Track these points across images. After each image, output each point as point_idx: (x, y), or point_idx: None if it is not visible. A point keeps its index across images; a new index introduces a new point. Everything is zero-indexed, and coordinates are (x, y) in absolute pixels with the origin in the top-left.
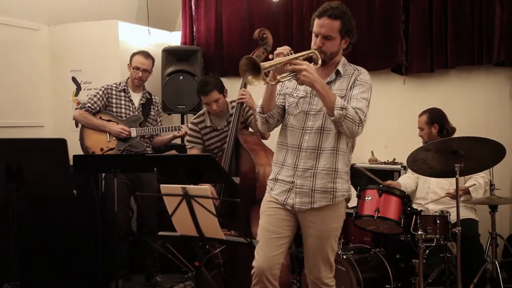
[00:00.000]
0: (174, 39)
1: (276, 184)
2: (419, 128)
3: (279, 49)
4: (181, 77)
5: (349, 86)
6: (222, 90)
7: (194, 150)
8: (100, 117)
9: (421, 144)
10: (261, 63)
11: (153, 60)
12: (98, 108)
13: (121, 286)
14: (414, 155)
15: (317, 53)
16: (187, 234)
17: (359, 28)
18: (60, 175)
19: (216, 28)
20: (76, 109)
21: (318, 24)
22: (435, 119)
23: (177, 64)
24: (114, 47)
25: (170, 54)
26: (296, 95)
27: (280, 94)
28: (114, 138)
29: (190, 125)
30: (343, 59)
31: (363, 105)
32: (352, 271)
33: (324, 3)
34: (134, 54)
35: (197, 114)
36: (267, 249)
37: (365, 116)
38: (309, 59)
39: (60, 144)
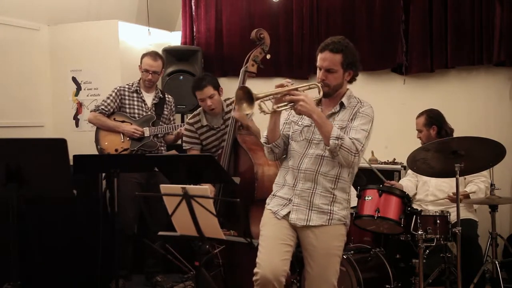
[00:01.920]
0: (174, 39)
1: (273, 199)
2: (417, 130)
3: (279, 83)
4: (181, 77)
5: (350, 118)
6: (217, 86)
7: (193, 151)
8: (114, 119)
9: (421, 144)
10: (255, 94)
11: (163, 60)
12: (111, 110)
13: (121, 286)
14: (414, 155)
15: (319, 85)
16: (187, 234)
17: (359, 28)
18: (60, 175)
19: (216, 28)
20: (90, 111)
21: (320, 58)
22: (433, 120)
23: (177, 64)
24: (114, 47)
25: (170, 54)
26: (301, 124)
27: (286, 123)
28: (128, 138)
29: (186, 126)
30: (348, 91)
31: (361, 136)
32: (352, 271)
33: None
34: (143, 56)
35: (192, 114)
36: (272, 256)
37: (362, 146)
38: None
39: (60, 144)
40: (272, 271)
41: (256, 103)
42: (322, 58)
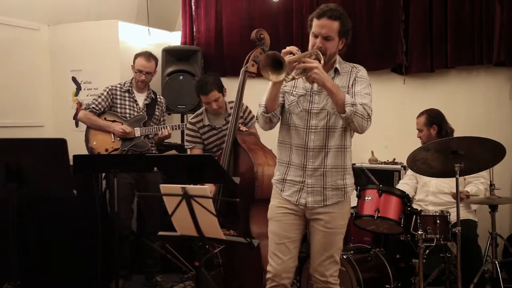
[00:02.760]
0: (174, 39)
1: (286, 184)
2: (417, 129)
3: (287, 48)
4: (181, 77)
5: (350, 83)
6: (221, 89)
7: (196, 150)
8: (105, 118)
9: (421, 144)
10: (285, 60)
11: (156, 61)
12: (102, 109)
13: (121, 286)
14: (414, 155)
15: (320, 53)
16: (187, 234)
17: (359, 28)
18: (60, 175)
19: (216, 28)
20: (81, 110)
21: (318, 25)
22: (434, 120)
23: (177, 64)
24: (114, 47)
25: (170, 54)
26: (296, 93)
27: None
28: (119, 138)
29: (188, 125)
30: (338, 57)
31: (368, 100)
32: (352, 271)
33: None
34: (136, 56)
35: (194, 114)
36: (281, 254)
37: (371, 111)
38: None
39: (60, 144)
40: (282, 268)
41: (286, 70)
42: (320, 25)
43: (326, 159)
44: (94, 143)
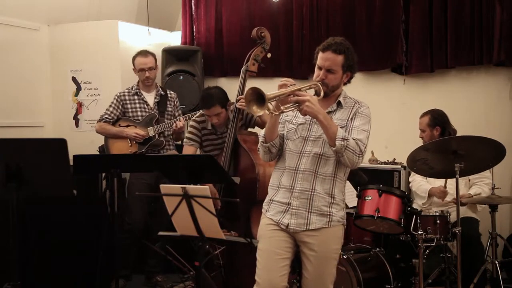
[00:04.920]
0: (174, 39)
1: (271, 205)
2: (420, 129)
3: (282, 81)
4: (181, 77)
5: (350, 117)
6: (224, 104)
7: (191, 149)
8: (119, 124)
9: (421, 144)
10: (267, 95)
11: (153, 55)
12: (115, 117)
13: (121, 286)
14: (414, 155)
15: (320, 85)
16: (187, 234)
17: (359, 28)
18: (60, 175)
19: (216, 28)
20: (97, 122)
21: (322, 58)
22: (437, 121)
23: (177, 64)
24: (114, 47)
25: (170, 54)
26: (295, 122)
27: (280, 123)
28: (135, 142)
29: (191, 123)
30: (343, 92)
31: (363, 136)
32: (352, 271)
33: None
34: (134, 57)
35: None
36: (271, 271)
37: (365, 147)
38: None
39: (60, 144)
40: (271, 286)
41: (267, 104)
42: (324, 58)
43: (315, 183)
44: (116, 150)
